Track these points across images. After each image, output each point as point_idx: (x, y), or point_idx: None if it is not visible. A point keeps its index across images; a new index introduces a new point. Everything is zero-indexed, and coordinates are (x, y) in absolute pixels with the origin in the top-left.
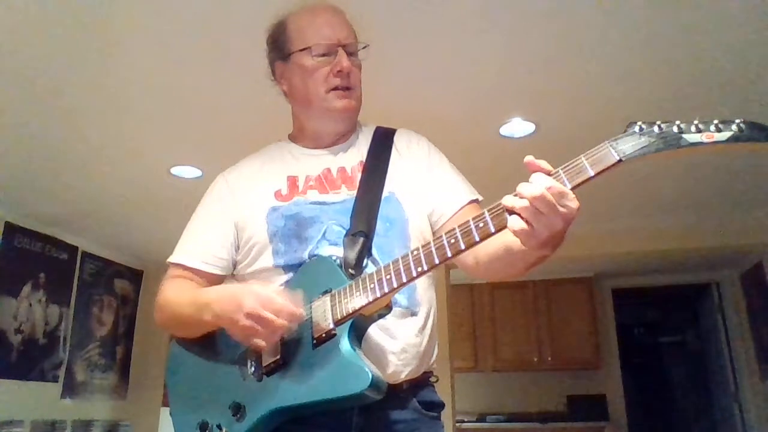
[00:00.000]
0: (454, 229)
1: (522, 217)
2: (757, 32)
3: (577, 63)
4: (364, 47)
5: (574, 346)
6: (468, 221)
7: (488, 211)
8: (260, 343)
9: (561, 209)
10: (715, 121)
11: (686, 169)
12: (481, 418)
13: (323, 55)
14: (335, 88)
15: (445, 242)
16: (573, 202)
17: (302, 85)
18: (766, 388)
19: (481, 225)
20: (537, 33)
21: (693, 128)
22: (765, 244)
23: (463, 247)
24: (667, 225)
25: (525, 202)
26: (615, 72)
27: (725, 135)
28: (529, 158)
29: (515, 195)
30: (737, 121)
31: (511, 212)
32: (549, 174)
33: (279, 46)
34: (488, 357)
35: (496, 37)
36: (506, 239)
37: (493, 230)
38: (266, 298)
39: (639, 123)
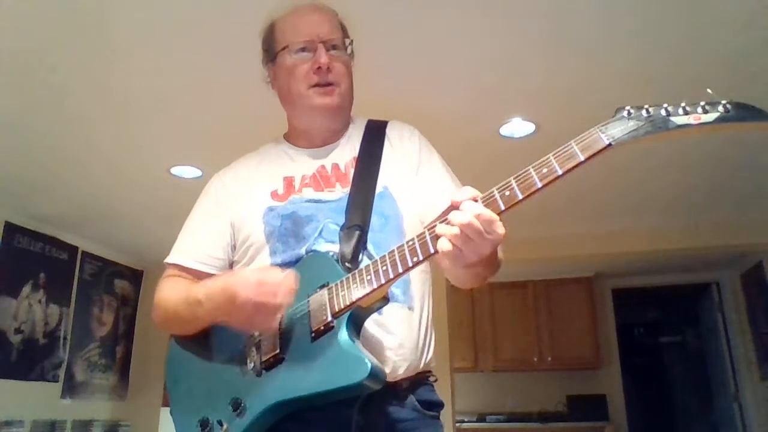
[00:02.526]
0: (447, 219)
1: (451, 242)
2: (758, 31)
3: (576, 63)
4: (349, 42)
5: (574, 346)
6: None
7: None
8: (262, 325)
9: (488, 236)
10: (702, 103)
11: (686, 169)
12: (481, 418)
13: (303, 51)
14: (316, 85)
15: None
16: (500, 229)
17: (286, 84)
18: (766, 388)
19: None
20: (537, 33)
21: (680, 110)
22: (765, 244)
23: None
24: (667, 225)
25: (455, 230)
26: (615, 72)
27: (712, 116)
28: (452, 198)
29: (447, 223)
30: (723, 101)
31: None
32: (476, 200)
33: (268, 48)
34: (488, 357)
35: (496, 37)
36: None
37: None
38: (258, 283)
39: (627, 108)
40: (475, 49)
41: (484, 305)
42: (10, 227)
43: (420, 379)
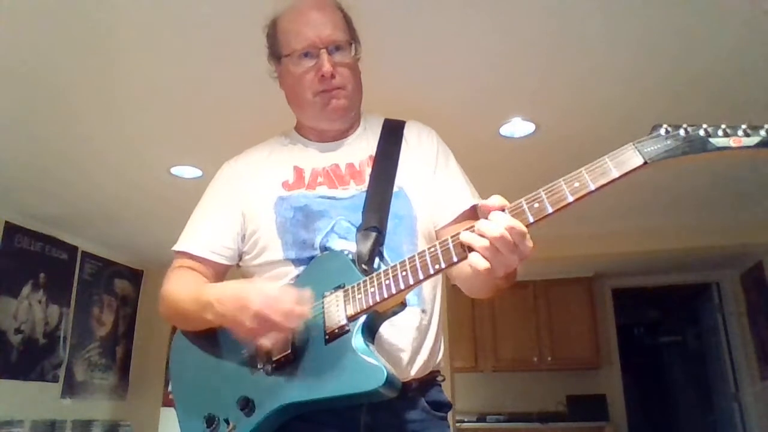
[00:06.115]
0: (473, 225)
1: (482, 255)
2: (756, 31)
3: (577, 63)
4: (352, 44)
5: (574, 346)
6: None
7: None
8: (265, 343)
9: (518, 250)
10: (743, 126)
11: (686, 169)
12: (481, 418)
13: (306, 57)
14: (323, 91)
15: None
16: (530, 242)
17: (292, 89)
18: (766, 388)
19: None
20: (537, 32)
21: (720, 132)
22: (765, 244)
23: None
24: (667, 225)
25: (486, 242)
26: (615, 72)
27: (754, 140)
28: (481, 203)
29: (474, 232)
30: (766, 126)
31: (471, 249)
32: (503, 209)
33: (272, 46)
34: (488, 357)
35: (496, 37)
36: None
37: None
38: (273, 299)
39: (665, 126)
40: (475, 49)
41: (484, 305)
42: (10, 227)
43: (429, 380)
